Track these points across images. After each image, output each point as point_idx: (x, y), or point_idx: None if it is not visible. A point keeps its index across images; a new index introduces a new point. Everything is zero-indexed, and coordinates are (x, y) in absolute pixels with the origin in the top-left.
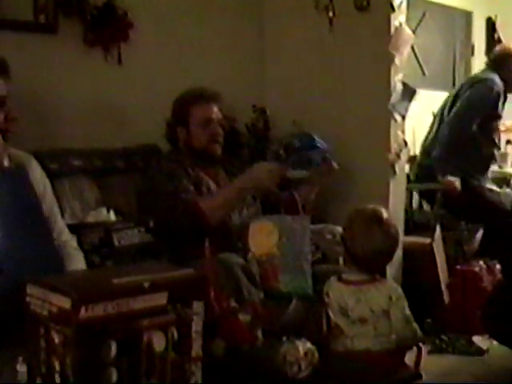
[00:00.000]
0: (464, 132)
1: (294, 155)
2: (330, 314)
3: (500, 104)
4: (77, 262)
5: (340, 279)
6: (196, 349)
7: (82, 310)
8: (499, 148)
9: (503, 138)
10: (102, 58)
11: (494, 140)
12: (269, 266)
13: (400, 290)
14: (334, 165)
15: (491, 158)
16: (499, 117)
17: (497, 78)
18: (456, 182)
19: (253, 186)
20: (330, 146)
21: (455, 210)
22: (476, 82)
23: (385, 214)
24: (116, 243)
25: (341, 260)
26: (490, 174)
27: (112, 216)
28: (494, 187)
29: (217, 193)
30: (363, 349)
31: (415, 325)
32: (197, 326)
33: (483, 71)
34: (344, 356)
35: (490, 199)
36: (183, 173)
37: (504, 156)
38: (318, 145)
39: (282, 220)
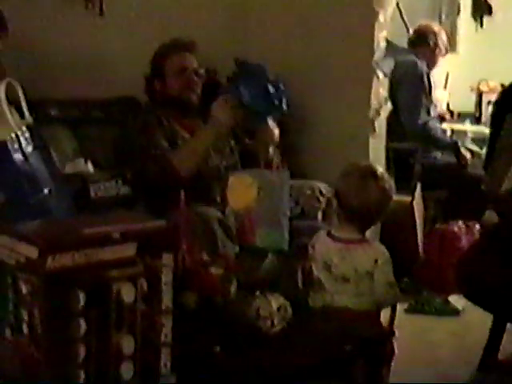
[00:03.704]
0: None
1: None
2: (313, 267)
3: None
4: None
5: (329, 234)
6: (166, 301)
7: (49, 260)
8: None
9: (485, 98)
10: (83, 7)
11: None
12: (246, 220)
13: (387, 255)
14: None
15: None
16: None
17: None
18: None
19: (213, 127)
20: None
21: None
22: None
23: (380, 170)
24: (92, 195)
25: (319, 215)
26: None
27: (90, 167)
28: (475, 147)
29: (184, 144)
30: (342, 306)
31: (397, 289)
32: (166, 277)
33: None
34: (320, 312)
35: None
36: (157, 125)
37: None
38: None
39: (261, 174)
